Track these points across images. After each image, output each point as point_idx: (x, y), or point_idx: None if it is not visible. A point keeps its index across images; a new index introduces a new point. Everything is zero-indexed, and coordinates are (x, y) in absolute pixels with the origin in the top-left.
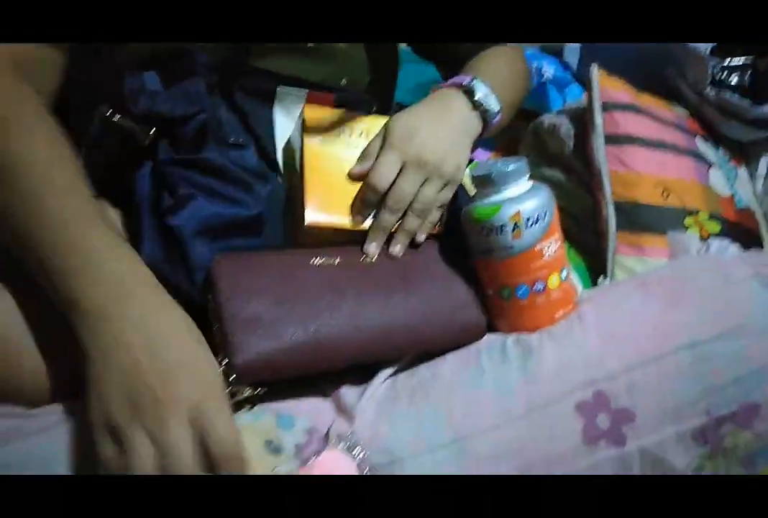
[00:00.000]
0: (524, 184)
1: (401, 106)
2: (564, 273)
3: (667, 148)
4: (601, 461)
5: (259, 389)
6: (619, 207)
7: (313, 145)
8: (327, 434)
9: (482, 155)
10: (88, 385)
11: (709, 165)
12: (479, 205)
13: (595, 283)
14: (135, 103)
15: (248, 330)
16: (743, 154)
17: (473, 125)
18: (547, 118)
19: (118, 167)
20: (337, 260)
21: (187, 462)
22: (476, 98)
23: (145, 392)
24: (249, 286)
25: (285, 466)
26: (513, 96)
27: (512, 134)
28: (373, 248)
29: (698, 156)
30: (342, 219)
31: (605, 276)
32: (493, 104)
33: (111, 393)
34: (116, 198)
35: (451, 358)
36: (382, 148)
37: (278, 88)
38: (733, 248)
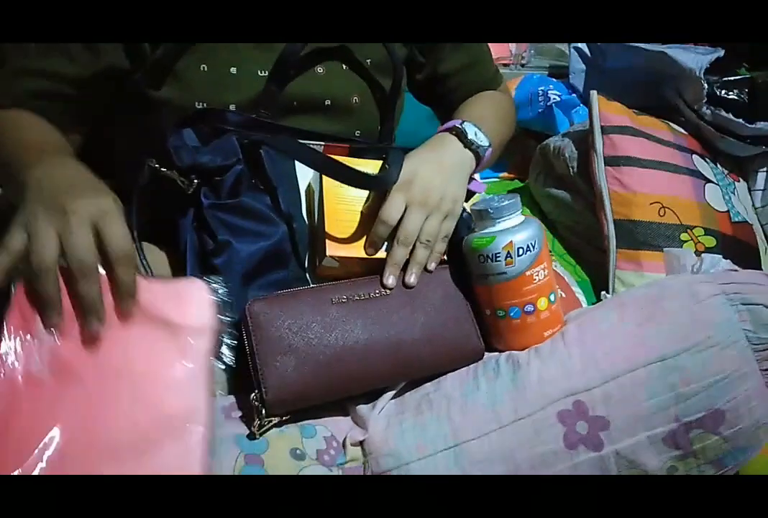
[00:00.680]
0: (517, 218)
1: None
2: (552, 297)
3: (664, 167)
4: (581, 463)
5: (287, 417)
6: (619, 225)
7: (331, 187)
8: (344, 440)
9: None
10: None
11: (706, 181)
12: (477, 235)
13: (599, 298)
14: (179, 157)
15: (278, 367)
16: (741, 169)
17: (467, 161)
18: (553, 142)
19: (164, 213)
20: (354, 296)
21: (86, 252)
22: (468, 138)
23: (56, 204)
24: (278, 326)
25: (309, 468)
26: (500, 132)
27: (522, 156)
28: (391, 281)
29: (695, 173)
30: (357, 251)
31: (608, 291)
32: (483, 141)
33: (31, 207)
34: (163, 241)
35: (452, 374)
36: (389, 190)
37: (299, 142)
38: (724, 263)
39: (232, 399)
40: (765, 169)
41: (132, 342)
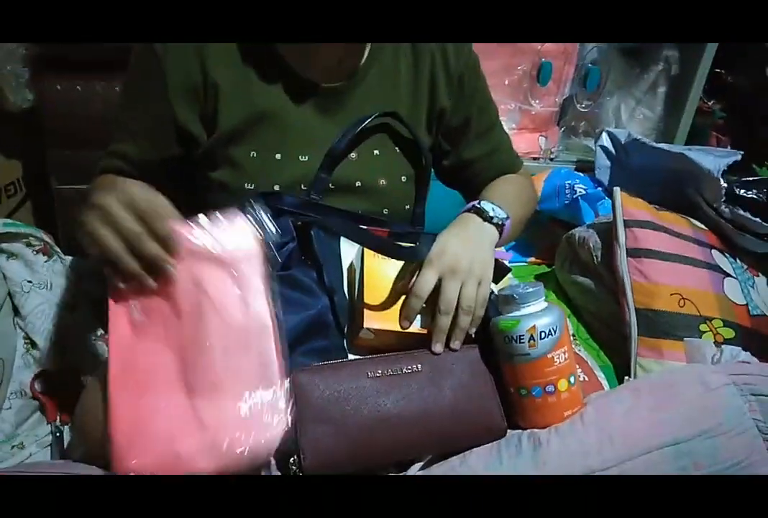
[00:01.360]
0: (540, 304)
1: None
2: (572, 379)
3: (684, 260)
4: None
5: None
6: (640, 314)
7: (371, 266)
8: None
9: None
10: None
11: (725, 275)
12: (503, 318)
13: (621, 382)
14: None
15: (316, 435)
16: (760, 264)
17: (490, 233)
18: (578, 232)
19: None
20: (388, 371)
21: (134, 232)
22: (486, 214)
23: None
24: (319, 396)
25: None
26: (520, 205)
27: (550, 242)
28: (438, 348)
29: (714, 267)
30: (392, 324)
31: (629, 377)
32: (500, 214)
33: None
34: None
35: (477, 449)
36: (421, 266)
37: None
38: (743, 355)
39: (271, 460)
40: None
41: (199, 279)
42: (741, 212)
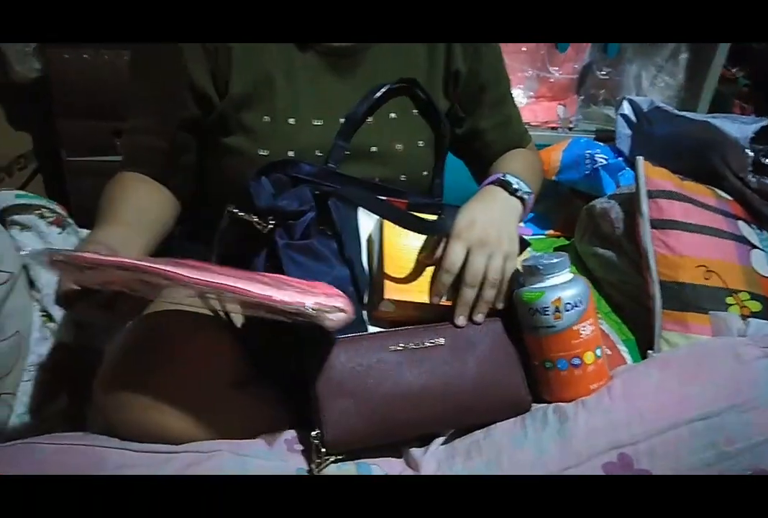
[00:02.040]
0: (565, 275)
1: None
2: (599, 351)
3: (709, 231)
4: None
5: (344, 456)
6: (665, 287)
7: (391, 237)
8: None
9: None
10: None
11: (751, 247)
12: (527, 290)
13: (645, 357)
14: (259, 200)
15: (337, 409)
16: None
17: (515, 207)
18: (599, 203)
19: (239, 251)
20: (410, 344)
21: None
22: (513, 187)
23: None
24: (339, 370)
25: None
26: (535, 184)
27: (569, 214)
28: (461, 321)
29: (740, 239)
30: (413, 295)
31: (653, 351)
32: (525, 188)
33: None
34: None
35: (501, 423)
36: (449, 238)
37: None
38: None
39: (294, 432)
40: None
41: None
42: None
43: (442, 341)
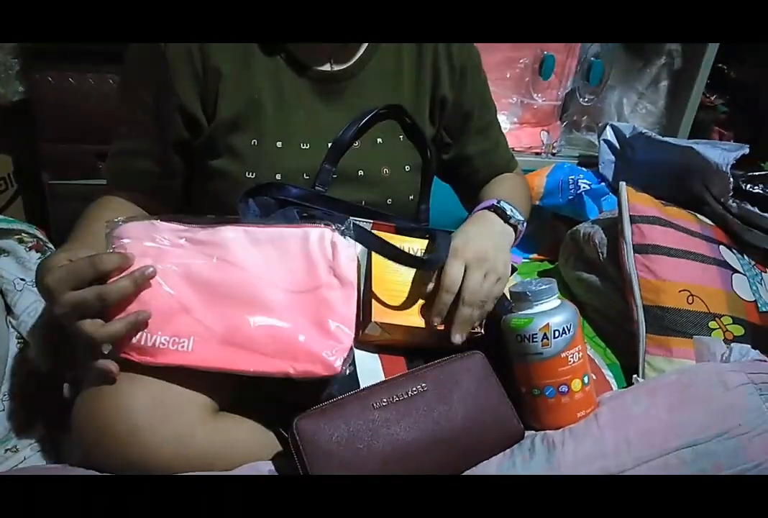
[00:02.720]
0: (554, 301)
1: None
2: (586, 379)
3: (692, 256)
4: None
5: None
6: (648, 311)
7: (378, 260)
8: None
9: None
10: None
11: (733, 271)
12: (515, 316)
13: (630, 382)
14: (246, 222)
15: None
16: (767, 260)
17: (509, 233)
18: (583, 227)
19: None
20: (393, 398)
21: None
22: (507, 214)
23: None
24: (327, 440)
25: None
26: (525, 210)
27: (553, 238)
28: (458, 339)
29: (722, 263)
30: (400, 318)
31: (638, 375)
32: (518, 216)
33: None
34: None
35: None
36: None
37: (350, 218)
38: (753, 353)
39: (270, 465)
40: None
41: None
42: (749, 207)
43: (423, 386)
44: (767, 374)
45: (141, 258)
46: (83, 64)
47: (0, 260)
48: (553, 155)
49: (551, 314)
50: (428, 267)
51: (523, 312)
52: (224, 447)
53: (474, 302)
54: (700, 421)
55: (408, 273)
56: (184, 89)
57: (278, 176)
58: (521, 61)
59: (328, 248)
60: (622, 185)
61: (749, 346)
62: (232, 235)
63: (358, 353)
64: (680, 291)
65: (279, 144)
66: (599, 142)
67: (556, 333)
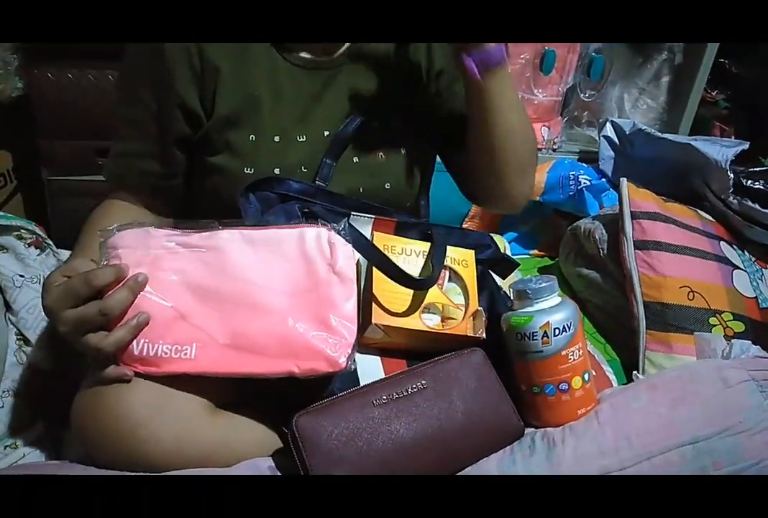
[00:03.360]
0: (554, 299)
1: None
2: (587, 376)
3: (692, 252)
4: None
5: None
6: (649, 307)
7: None
8: None
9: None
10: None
11: (733, 268)
12: (515, 314)
13: (630, 378)
14: (247, 216)
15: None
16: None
17: None
18: (584, 223)
19: None
20: (393, 395)
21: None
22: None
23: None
24: (327, 438)
25: None
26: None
27: (553, 234)
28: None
29: (722, 259)
30: (401, 321)
31: (639, 372)
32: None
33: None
34: None
35: None
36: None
37: (351, 214)
38: (754, 349)
39: (270, 461)
40: None
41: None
42: (749, 203)
43: (423, 383)
44: None
45: (136, 267)
46: (83, 61)
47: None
48: (554, 150)
49: (551, 312)
50: (421, 288)
51: (523, 310)
52: (224, 443)
53: None
54: (701, 418)
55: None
56: (184, 86)
57: (277, 171)
58: (522, 56)
59: (325, 247)
60: (623, 181)
61: (750, 342)
62: (227, 238)
63: (360, 356)
64: (681, 287)
65: (276, 138)
66: (599, 138)
67: (557, 331)
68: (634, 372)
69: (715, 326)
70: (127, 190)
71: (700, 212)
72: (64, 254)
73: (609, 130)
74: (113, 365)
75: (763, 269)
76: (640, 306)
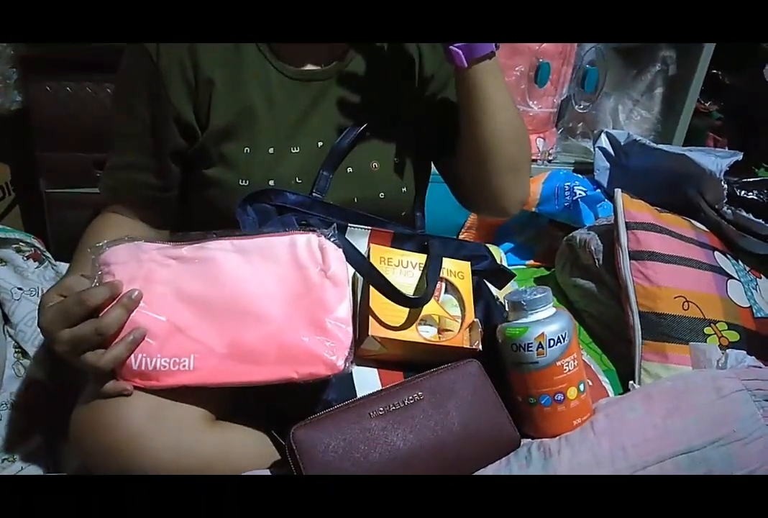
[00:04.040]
0: (549, 310)
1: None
2: (582, 386)
3: (687, 262)
4: None
5: None
6: (644, 317)
7: None
8: None
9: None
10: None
11: (728, 277)
12: (510, 325)
13: (626, 388)
14: (245, 228)
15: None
16: (763, 265)
17: None
18: (579, 234)
19: None
20: (390, 407)
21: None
22: None
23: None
24: (324, 450)
25: None
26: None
27: (549, 245)
28: None
29: (717, 269)
30: (397, 333)
31: (635, 382)
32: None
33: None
34: None
35: None
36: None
37: (349, 226)
38: (749, 359)
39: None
40: None
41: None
42: (743, 213)
43: (420, 394)
44: (762, 380)
45: (129, 283)
46: (80, 74)
47: None
48: (549, 161)
49: (546, 323)
50: (415, 306)
51: (518, 321)
52: (222, 455)
53: None
54: (695, 428)
55: (403, 285)
56: (179, 99)
57: (271, 182)
58: (517, 68)
59: (317, 252)
60: (618, 191)
61: (745, 352)
62: (218, 248)
63: (357, 368)
64: (676, 297)
65: (271, 150)
66: (594, 149)
67: (552, 342)
68: (630, 382)
69: (710, 335)
70: (123, 203)
71: (694, 222)
72: (63, 266)
73: (604, 141)
74: (113, 381)
75: (758, 279)
76: (636, 316)
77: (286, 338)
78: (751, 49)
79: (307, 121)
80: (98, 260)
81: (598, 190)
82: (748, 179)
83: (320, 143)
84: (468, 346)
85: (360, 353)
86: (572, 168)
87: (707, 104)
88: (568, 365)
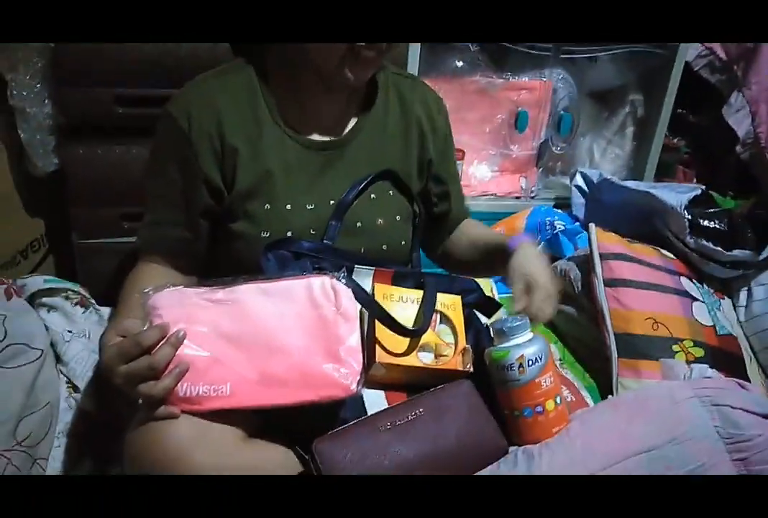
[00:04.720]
0: (527, 335)
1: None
2: (558, 399)
3: (655, 288)
4: None
5: None
6: (619, 338)
7: (381, 302)
8: None
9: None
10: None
11: (693, 300)
12: (495, 349)
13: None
14: (268, 271)
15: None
16: (725, 288)
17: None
18: (560, 264)
19: None
20: (396, 422)
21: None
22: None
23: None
24: (341, 460)
25: None
26: None
27: None
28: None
29: (682, 293)
30: (402, 359)
31: (612, 395)
32: None
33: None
34: None
35: None
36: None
37: (355, 267)
38: (710, 372)
39: None
40: (745, 288)
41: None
42: (704, 242)
43: (421, 410)
44: (709, 388)
45: (175, 324)
46: (110, 139)
47: (50, 315)
48: (532, 198)
49: (525, 346)
50: (414, 336)
51: (501, 345)
52: (255, 467)
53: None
54: (653, 430)
55: (402, 317)
56: (207, 165)
57: (289, 233)
58: (498, 116)
59: (330, 293)
60: (591, 226)
61: (707, 366)
62: (247, 291)
63: (366, 391)
64: (646, 319)
65: (288, 206)
66: (571, 187)
67: (530, 362)
68: (609, 396)
69: (677, 352)
70: (159, 254)
71: (662, 250)
72: (105, 310)
73: (579, 180)
74: (162, 407)
75: (721, 300)
76: (612, 337)
77: (307, 367)
78: (710, 92)
79: (320, 182)
80: (147, 305)
81: (577, 223)
82: (710, 210)
83: (332, 202)
84: (461, 369)
85: (368, 378)
86: (553, 203)
87: (675, 140)
88: (545, 382)
